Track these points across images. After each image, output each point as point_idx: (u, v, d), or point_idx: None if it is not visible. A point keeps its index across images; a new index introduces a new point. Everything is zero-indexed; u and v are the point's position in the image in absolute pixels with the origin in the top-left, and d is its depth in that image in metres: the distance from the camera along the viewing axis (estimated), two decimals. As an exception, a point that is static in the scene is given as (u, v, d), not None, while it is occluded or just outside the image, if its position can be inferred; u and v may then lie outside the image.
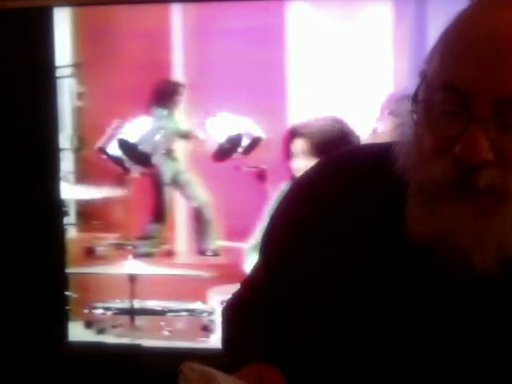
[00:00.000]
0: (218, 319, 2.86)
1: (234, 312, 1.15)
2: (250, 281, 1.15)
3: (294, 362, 0.99)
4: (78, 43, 2.98)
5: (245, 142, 2.98)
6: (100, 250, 3.06)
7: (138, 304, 2.95)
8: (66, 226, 2.96)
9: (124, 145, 2.99)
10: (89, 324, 2.98)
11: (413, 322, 0.94)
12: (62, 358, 2.84)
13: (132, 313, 2.96)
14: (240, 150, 2.99)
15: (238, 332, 1.11)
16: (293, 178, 2.50)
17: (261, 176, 2.93)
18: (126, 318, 2.97)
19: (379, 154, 1.02)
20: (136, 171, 3.06)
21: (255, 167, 2.93)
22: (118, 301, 2.99)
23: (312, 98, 2.87)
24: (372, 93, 2.79)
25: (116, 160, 3.02)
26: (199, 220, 3.11)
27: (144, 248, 3.04)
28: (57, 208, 2.90)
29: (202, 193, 3.07)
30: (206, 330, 2.89)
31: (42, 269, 2.83)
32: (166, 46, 3.02)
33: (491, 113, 0.85)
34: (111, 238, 3.07)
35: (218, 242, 3.07)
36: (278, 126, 2.77)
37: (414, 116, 0.91)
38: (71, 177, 3.04)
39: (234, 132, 2.98)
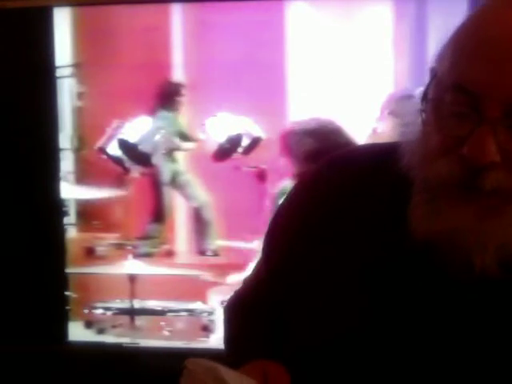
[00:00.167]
0: (217, 319, 2.86)
1: (235, 310, 1.15)
2: (252, 279, 1.16)
3: (294, 361, 0.99)
4: (78, 43, 2.97)
5: (245, 142, 2.98)
6: (100, 249, 3.06)
7: (137, 304, 2.95)
8: (66, 226, 2.96)
9: (124, 145, 2.99)
10: (89, 324, 2.98)
11: (413, 321, 0.94)
12: (61, 358, 2.84)
13: (132, 313, 2.96)
14: (240, 149, 2.99)
15: (240, 330, 1.11)
16: (292, 178, 2.51)
17: (261, 176, 2.92)
18: (126, 318, 2.97)
19: (382, 153, 1.02)
20: (136, 171, 3.06)
21: (255, 167, 2.93)
22: (118, 301, 2.99)
23: (312, 98, 2.87)
24: (372, 93, 2.79)
25: (116, 160, 3.02)
26: (199, 220, 3.11)
27: (144, 248, 3.04)
28: (57, 208, 2.90)
29: (201, 193, 3.07)
30: (206, 329, 2.89)
31: (42, 269, 2.83)
32: (166, 46, 3.02)
33: (501, 115, 0.85)
34: (111, 237, 3.06)
35: (217, 242, 3.06)
36: (277, 126, 2.76)
37: (423, 114, 0.91)
38: (71, 177, 3.03)
39: (233, 132, 2.97)
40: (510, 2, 0.90)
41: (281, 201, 1.14)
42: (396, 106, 2.72)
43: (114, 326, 2.97)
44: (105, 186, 3.05)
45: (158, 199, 3.15)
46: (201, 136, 3.02)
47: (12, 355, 2.80)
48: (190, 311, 2.93)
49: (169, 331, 2.93)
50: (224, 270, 2.93)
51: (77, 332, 2.95)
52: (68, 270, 2.92)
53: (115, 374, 2.75)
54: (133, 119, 2.98)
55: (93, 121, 3.02)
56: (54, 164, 2.87)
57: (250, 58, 2.85)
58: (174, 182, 3.09)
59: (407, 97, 2.72)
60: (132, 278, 2.93)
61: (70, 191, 3.00)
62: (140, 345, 2.92)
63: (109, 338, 2.96)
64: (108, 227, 3.07)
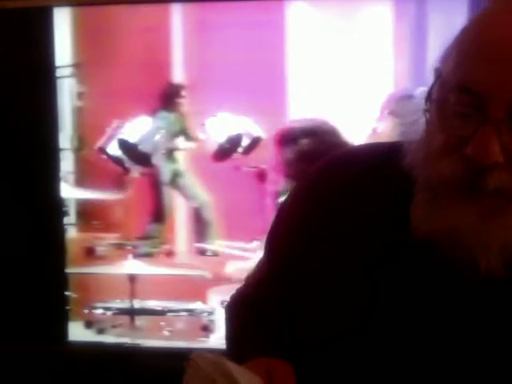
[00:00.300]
0: (217, 319, 2.86)
1: (237, 308, 1.15)
2: (255, 278, 1.16)
3: (297, 360, 0.99)
4: (78, 43, 2.97)
5: (245, 142, 2.98)
6: (100, 249, 3.06)
7: (137, 304, 2.95)
8: (66, 226, 2.96)
9: (124, 145, 2.99)
10: (89, 324, 2.98)
11: (416, 320, 0.94)
12: (62, 358, 2.84)
13: (132, 313, 2.96)
14: (240, 149, 2.99)
15: (242, 328, 1.11)
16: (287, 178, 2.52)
17: (261, 176, 2.92)
18: (126, 318, 2.97)
19: (384, 153, 1.02)
20: (136, 171, 3.06)
21: (255, 167, 2.93)
22: (118, 301, 2.99)
23: (312, 98, 2.87)
24: (372, 93, 2.78)
25: (116, 160, 3.02)
26: (199, 220, 3.11)
27: (144, 248, 3.04)
28: (57, 208, 2.90)
29: (201, 193, 3.07)
30: (206, 329, 2.89)
31: (42, 269, 2.83)
32: (166, 46, 3.01)
33: (505, 116, 0.85)
34: (111, 237, 3.06)
35: (218, 242, 3.06)
36: (278, 126, 2.76)
37: (427, 114, 0.91)
38: (71, 177, 3.03)
39: (233, 132, 2.97)
40: None
41: (282, 200, 1.14)
42: (396, 106, 2.72)
43: (113, 326, 2.97)
44: (105, 185, 3.05)
45: (158, 199, 3.15)
46: (201, 136, 3.02)
47: (12, 355, 2.80)
48: (190, 311, 2.93)
49: (169, 331, 2.93)
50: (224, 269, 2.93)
51: (77, 332, 2.95)
52: (68, 270, 2.92)
53: (115, 374, 2.75)
54: (133, 119, 2.98)
55: (93, 121, 3.02)
56: (54, 164, 2.87)
57: (250, 57, 2.84)
58: (174, 182, 3.09)
59: (407, 97, 2.72)
60: (132, 278, 2.93)
61: (70, 191, 3.00)
62: (140, 345, 2.92)
63: (109, 338, 2.96)
64: (108, 227, 3.07)
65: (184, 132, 3.06)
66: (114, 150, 3.00)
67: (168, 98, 3.01)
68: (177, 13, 3.01)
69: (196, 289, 2.96)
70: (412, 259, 0.94)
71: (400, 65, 2.80)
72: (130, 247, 3.01)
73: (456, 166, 0.87)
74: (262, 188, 2.89)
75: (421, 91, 2.69)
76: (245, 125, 2.95)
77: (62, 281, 2.92)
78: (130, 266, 2.93)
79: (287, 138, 2.53)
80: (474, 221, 0.87)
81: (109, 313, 2.98)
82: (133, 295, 2.94)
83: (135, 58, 2.95)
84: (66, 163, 3.00)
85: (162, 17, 2.97)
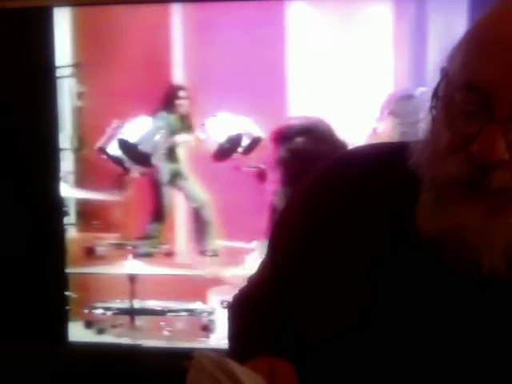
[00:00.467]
0: (217, 319, 2.86)
1: (240, 308, 1.15)
2: (257, 277, 1.16)
3: (298, 359, 0.99)
4: (78, 43, 2.97)
5: (245, 142, 2.98)
6: (100, 249, 3.06)
7: (137, 304, 2.95)
8: (66, 226, 2.96)
9: (124, 145, 2.99)
10: (89, 324, 2.98)
11: (417, 319, 0.94)
12: (62, 358, 2.84)
13: (132, 313, 2.96)
14: (240, 149, 2.99)
15: (245, 328, 1.11)
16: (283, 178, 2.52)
17: (261, 176, 2.92)
18: (126, 318, 2.97)
19: (387, 153, 1.03)
20: (136, 171, 3.06)
21: (255, 167, 2.93)
22: (118, 301, 2.99)
23: (312, 97, 2.87)
24: (372, 93, 2.78)
25: (116, 160, 3.02)
26: (199, 220, 3.11)
27: (144, 248, 3.04)
28: (57, 208, 2.90)
29: (201, 193, 3.07)
30: (206, 329, 2.89)
31: (42, 269, 2.83)
32: (166, 46, 3.01)
33: (510, 114, 0.85)
34: (111, 237, 3.06)
35: (217, 242, 3.06)
36: (285, 121, 2.76)
37: (433, 112, 0.91)
38: (71, 177, 3.03)
39: (233, 132, 2.97)
40: None
41: (282, 200, 1.14)
42: (396, 106, 2.72)
43: (114, 326, 2.97)
44: (105, 185, 3.05)
45: (158, 199, 3.15)
46: (201, 136, 3.02)
47: (12, 355, 2.80)
48: (190, 311, 2.93)
49: (169, 331, 2.93)
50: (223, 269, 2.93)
51: (77, 332, 2.95)
52: (68, 270, 2.92)
53: (115, 374, 2.75)
54: (133, 119, 2.98)
55: (93, 121, 3.02)
56: (54, 164, 2.87)
57: (250, 57, 2.84)
58: (174, 182, 3.09)
59: (407, 97, 2.72)
60: (132, 278, 2.93)
61: (70, 191, 3.00)
62: (140, 345, 2.92)
63: (109, 338, 2.96)
64: (108, 227, 3.07)
65: (184, 131, 3.06)
66: (114, 150, 3.00)
67: (168, 100, 3.01)
68: (177, 13, 3.01)
69: (196, 289, 2.96)
70: (414, 259, 0.94)
71: (400, 65, 2.80)
72: (129, 247, 3.01)
73: (461, 164, 0.87)
74: (262, 188, 2.88)
75: (421, 91, 2.69)
76: (245, 125, 2.95)
77: (61, 281, 2.92)
78: (130, 265, 2.94)
79: (283, 136, 2.53)
80: (478, 220, 0.87)
81: (109, 313, 2.98)
82: (133, 295, 2.94)
83: (135, 58, 2.95)
84: (66, 163, 3.00)
85: (162, 17, 2.97)
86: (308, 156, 2.45)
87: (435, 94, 0.91)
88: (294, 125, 2.53)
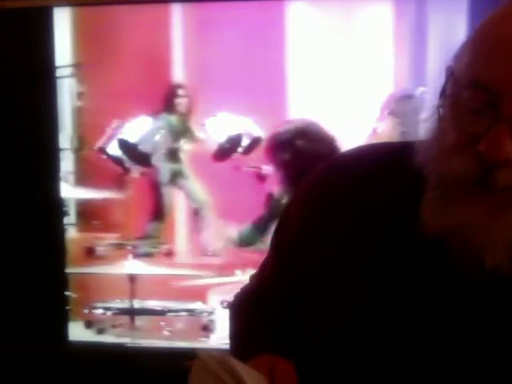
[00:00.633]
0: (217, 319, 2.86)
1: (241, 307, 1.15)
2: (259, 276, 1.16)
3: (299, 358, 0.99)
4: (78, 43, 2.97)
5: (245, 142, 2.98)
6: (100, 249, 3.06)
7: (137, 304, 2.95)
8: (66, 226, 2.96)
9: (124, 145, 2.99)
10: (89, 324, 2.98)
11: (418, 319, 0.94)
12: (62, 358, 2.84)
13: (132, 313, 2.95)
14: (240, 149, 2.99)
15: (246, 327, 1.11)
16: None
17: (261, 176, 2.92)
18: (126, 318, 2.97)
19: (391, 152, 1.03)
20: (136, 171, 3.06)
21: (255, 167, 2.93)
22: (118, 301, 2.99)
23: (312, 97, 2.87)
24: (372, 93, 2.78)
25: (116, 160, 3.02)
26: (199, 220, 3.11)
27: (144, 248, 3.04)
28: (57, 208, 2.90)
29: (201, 193, 3.07)
30: (206, 329, 2.89)
31: (42, 269, 2.83)
32: (166, 46, 3.01)
33: None
34: (111, 237, 3.06)
35: (217, 242, 3.06)
36: (278, 126, 2.77)
37: (440, 110, 0.91)
38: (71, 177, 3.03)
39: (233, 132, 2.97)
40: None
41: (283, 201, 1.14)
42: (396, 106, 2.72)
43: (114, 326, 2.97)
44: (105, 186, 3.05)
45: (158, 199, 3.14)
46: (201, 136, 3.02)
47: (12, 355, 2.79)
48: (190, 311, 2.93)
49: (169, 331, 2.93)
50: (224, 269, 2.93)
51: (77, 332, 2.95)
52: (68, 270, 2.92)
53: (115, 374, 2.75)
54: (133, 119, 2.98)
55: (93, 121, 3.02)
56: (54, 164, 2.87)
57: (250, 57, 2.84)
58: (175, 181, 3.09)
59: (407, 97, 2.72)
60: (132, 278, 2.92)
61: (70, 191, 3.00)
62: (140, 345, 2.92)
63: (109, 338, 2.96)
64: (108, 227, 3.07)
65: (186, 133, 3.06)
66: (114, 150, 3.00)
67: (167, 100, 3.01)
68: (177, 13, 3.01)
69: (196, 289, 2.95)
70: (416, 258, 0.94)
71: (400, 65, 2.80)
72: (129, 247, 3.01)
73: (468, 163, 0.87)
74: (262, 188, 2.88)
75: (421, 91, 2.69)
76: (245, 125, 2.95)
77: (62, 281, 2.91)
78: (130, 266, 2.93)
79: (279, 142, 2.54)
80: (482, 217, 0.88)
81: (109, 313, 2.98)
82: (133, 295, 2.94)
83: (135, 57, 2.95)
84: (66, 163, 3.00)
85: (162, 17, 2.97)
86: (308, 156, 2.46)
87: (442, 93, 0.91)
88: (288, 129, 2.54)
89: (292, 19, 2.88)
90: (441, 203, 0.90)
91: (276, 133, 2.58)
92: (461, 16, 2.59)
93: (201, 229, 3.10)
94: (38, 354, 2.81)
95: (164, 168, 3.08)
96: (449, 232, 0.90)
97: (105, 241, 3.07)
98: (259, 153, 2.95)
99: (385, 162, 1.02)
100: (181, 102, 3.03)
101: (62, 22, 2.88)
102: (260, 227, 2.70)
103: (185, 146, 3.06)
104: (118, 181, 3.05)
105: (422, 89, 2.69)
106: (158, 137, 3.03)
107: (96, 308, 2.98)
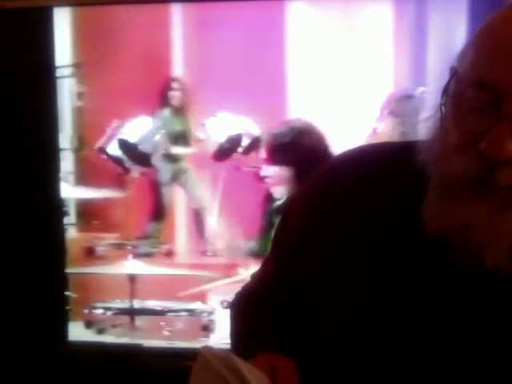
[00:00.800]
0: (217, 319, 2.86)
1: (243, 306, 1.15)
2: (261, 275, 1.16)
3: (300, 357, 0.99)
4: (78, 43, 2.97)
5: (245, 142, 2.98)
6: (100, 249, 3.06)
7: (137, 304, 2.95)
8: (66, 226, 2.96)
9: (124, 145, 2.99)
10: (89, 324, 2.98)
11: (419, 319, 0.94)
12: (62, 358, 2.84)
13: (132, 313, 2.96)
14: (240, 149, 2.99)
15: (247, 325, 1.11)
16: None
17: (261, 176, 2.92)
18: (126, 318, 2.97)
19: (391, 152, 1.03)
20: (136, 171, 3.06)
21: (255, 167, 2.93)
22: (118, 301, 2.99)
23: (312, 97, 2.87)
24: (372, 93, 2.79)
25: (116, 160, 3.02)
26: (199, 220, 3.11)
27: (144, 248, 3.04)
28: (57, 208, 2.90)
29: (201, 193, 3.07)
30: (206, 329, 2.89)
31: (42, 269, 2.83)
32: (166, 46, 3.02)
33: None
34: (111, 237, 3.06)
35: (217, 242, 3.06)
36: (274, 128, 2.77)
37: (443, 109, 0.91)
38: (71, 177, 3.03)
39: (233, 132, 2.98)
40: None
41: (290, 198, 1.14)
42: (396, 105, 2.72)
43: (114, 326, 2.97)
44: (105, 186, 3.05)
45: (158, 199, 3.15)
46: (201, 136, 3.02)
47: (12, 355, 2.79)
48: (190, 311, 2.93)
49: (169, 331, 2.93)
50: (223, 269, 2.93)
51: (77, 332, 2.95)
52: (68, 270, 2.92)
53: (115, 374, 2.75)
54: (133, 119, 2.98)
55: (93, 121, 3.02)
56: (54, 164, 2.87)
57: (250, 57, 2.85)
58: (177, 178, 3.10)
59: (407, 97, 2.72)
60: (132, 278, 2.93)
61: (70, 191, 3.00)
62: (140, 345, 2.92)
63: (109, 338, 2.96)
64: (108, 227, 3.07)
65: (184, 135, 3.06)
66: (114, 150, 3.00)
67: (161, 93, 3.01)
68: (177, 13, 3.01)
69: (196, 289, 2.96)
70: (417, 258, 0.94)
71: (400, 65, 2.80)
72: (129, 247, 3.01)
73: (470, 162, 0.87)
74: (262, 188, 2.88)
75: (421, 91, 2.69)
76: (245, 125, 2.95)
77: (62, 281, 2.91)
78: (130, 266, 2.93)
79: (279, 144, 2.54)
80: (484, 216, 0.87)
81: (109, 313, 2.98)
82: (133, 295, 2.94)
83: (135, 57, 2.95)
84: (66, 163, 3.00)
85: (162, 17, 2.98)
86: (306, 156, 2.46)
87: (445, 92, 0.91)
88: (284, 131, 2.55)
89: (292, 19, 2.88)
90: (442, 203, 0.90)
91: (272, 134, 2.59)
92: (461, 16, 2.59)
93: (201, 229, 3.10)
94: (38, 354, 2.81)
95: (164, 168, 3.08)
96: (450, 231, 0.90)
97: (105, 241, 3.07)
98: (259, 153, 2.95)
99: (385, 162, 1.02)
100: (175, 96, 3.03)
101: (62, 22, 2.88)
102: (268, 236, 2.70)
103: (182, 150, 3.07)
104: (118, 181, 3.05)
105: (421, 89, 2.69)
106: (158, 137, 3.03)
107: (96, 308, 2.98)
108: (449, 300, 0.93)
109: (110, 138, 2.99)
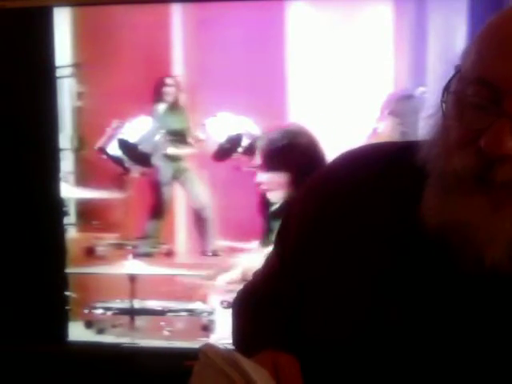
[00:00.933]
0: (217, 319, 2.86)
1: (245, 303, 1.15)
2: (264, 273, 1.16)
3: (302, 355, 0.99)
4: (78, 43, 2.97)
5: (245, 142, 2.98)
6: (100, 249, 3.06)
7: (137, 304, 2.95)
8: (66, 226, 2.96)
9: (124, 145, 2.99)
10: (89, 324, 2.98)
11: (422, 317, 0.94)
12: (62, 358, 2.84)
13: (132, 313, 2.96)
14: (240, 149, 2.99)
15: (249, 323, 1.11)
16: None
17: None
18: (126, 318, 2.97)
19: (391, 152, 1.03)
20: (136, 171, 3.06)
21: (255, 167, 2.93)
22: (118, 301, 2.99)
23: (312, 98, 2.87)
24: (372, 93, 2.79)
25: (116, 160, 3.02)
26: (199, 220, 3.11)
27: (144, 248, 3.04)
28: (57, 208, 2.90)
29: (202, 192, 3.07)
30: (206, 329, 2.89)
31: (42, 269, 2.83)
32: (166, 46, 3.02)
33: None
34: (111, 237, 3.06)
35: (217, 242, 3.06)
36: (278, 126, 2.77)
37: (444, 106, 0.92)
38: (71, 177, 3.03)
39: (233, 132, 2.98)
40: None
41: (292, 197, 1.14)
42: (396, 106, 2.72)
43: (114, 326, 2.97)
44: (105, 186, 3.05)
45: (158, 199, 3.15)
46: (201, 136, 3.02)
47: (12, 355, 2.79)
48: (190, 311, 2.93)
49: (169, 331, 2.93)
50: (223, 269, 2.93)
51: (77, 332, 2.95)
52: (68, 270, 2.92)
53: (115, 374, 2.75)
54: (133, 119, 2.98)
55: (93, 121, 3.02)
56: (54, 164, 2.87)
57: (250, 57, 2.85)
58: (177, 177, 3.10)
59: (407, 97, 2.72)
60: (132, 278, 2.92)
61: (70, 191, 3.00)
62: (140, 345, 2.92)
63: (109, 338, 2.96)
64: (108, 227, 3.07)
65: (182, 133, 3.06)
66: (114, 150, 3.00)
67: (156, 90, 3.01)
68: (177, 12, 3.01)
69: (196, 288, 2.95)
70: (417, 256, 0.94)
71: (400, 65, 2.80)
72: (129, 247, 3.01)
73: (469, 159, 0.88)
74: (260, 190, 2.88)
75: (421, 91, 2.69)
76: (245, 125, 2.95)
77: (61, 281, 2.91)
78: (130, 265, 2.93)
79: (275, 149, 2.54)
80: (482, 213, 0.88)
81: (109, 313, 2.98)
82: (133, 295, 2.94)
83: (135, 58, 2.95)
84: (66, 163, 3.00)
85: (162, 17, 2.98)
86: (303, 159, 2.46)
87: (446, 89, 0.92)
88: (279, 136, 2.55)
89: (292, 19, 2.88)
90: (441, 200, 0.91)
91: (266, 140, 2.59)
92: (461, 16, 2.59)
93: (202, 229, 3.10)
94: (38, 353, 2.81)
95: (164, 168, 3.08)
96: (449, 228, 0.90)
97: (105, 241, 3.07)
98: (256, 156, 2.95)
99: (386, 162, 1.02)
100: (169, 92, 3.03)
101: (62, 22, 2.88)
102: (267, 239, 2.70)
103: (181, 151, 3.07)
104: (118, 181, 3.05)
105: (421, 89, 2.69)
106: (157, 137, 3.03)
107: (96, 308, 2.98)
108: (449, 297, 0.93)
109: (110, 138, 2.99)
